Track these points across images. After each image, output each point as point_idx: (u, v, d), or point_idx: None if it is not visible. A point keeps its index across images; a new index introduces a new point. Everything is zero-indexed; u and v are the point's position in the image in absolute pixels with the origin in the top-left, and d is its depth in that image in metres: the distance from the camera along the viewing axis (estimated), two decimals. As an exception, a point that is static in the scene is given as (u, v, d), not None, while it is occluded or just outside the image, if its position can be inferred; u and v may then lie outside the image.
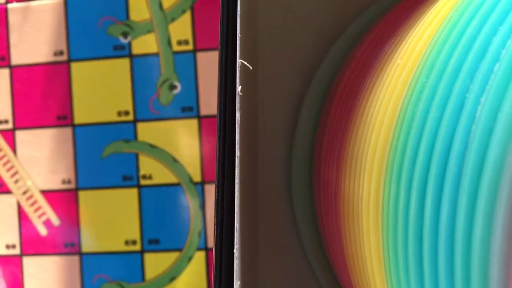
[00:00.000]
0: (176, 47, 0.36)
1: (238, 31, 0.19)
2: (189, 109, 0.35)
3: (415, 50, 0.15)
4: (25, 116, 0.37)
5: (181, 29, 0.36)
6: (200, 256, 0.35)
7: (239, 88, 0.19)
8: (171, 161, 0.35)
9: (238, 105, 0.19)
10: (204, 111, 0.35)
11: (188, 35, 0.36)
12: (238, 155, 0.18)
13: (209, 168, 0.35)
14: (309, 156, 0.24)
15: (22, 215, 0.37)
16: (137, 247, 0.35)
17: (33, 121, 0.37)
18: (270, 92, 0.24)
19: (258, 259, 0.24)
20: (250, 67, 0.20)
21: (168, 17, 0.36)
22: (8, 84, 0.37)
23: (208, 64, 0.35)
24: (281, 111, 0.24)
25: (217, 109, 0.20)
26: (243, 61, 0.19)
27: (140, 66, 0.36)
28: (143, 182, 0.36)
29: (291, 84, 0.24)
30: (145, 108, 0.36)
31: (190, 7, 0.36)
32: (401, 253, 0.13)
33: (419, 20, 0.16)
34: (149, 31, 0.36)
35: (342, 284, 0.22)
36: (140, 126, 0.36)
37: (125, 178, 0.36)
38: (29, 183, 0.37)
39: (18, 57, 0.37)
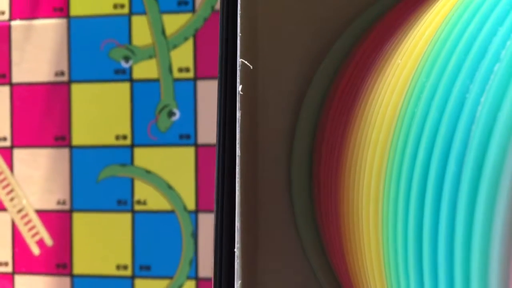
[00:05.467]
0: (176, 74, 0.36)
1: (238, 31, 0.19)
2: (186, 137, 0.35)
3: (415, 50, 0.15)
4: (24, 135, 0.37)
5: (183, 56, 0.36)
6: (190, 285, 0.35)
7: (239, 87, 0.19)
8: (166, 188, 0.35)
9: (238, 104, 0.19)
10: (201, 139, 0.35)
11: (189, 63, 0.36)
12: (238, 155, 0.18)
13: (204, 196, 0.35)
14: (309, 156, 0.24)
15: (16, 233, 0.37)
16: (128, 272, 0.36)
17: (31, 140, 0.37)
18: (270, 92, 0.24)
19: (258, 259, 0.24)
20: (251, 67, 0.20)
21: (170, 44, 0.36)
22: (8, 101, 0.37)
23: (208, 92, 0.35)
24: (281, 111, 0.24)
25: (217, 108, 0.20)
26: (243, 61, 0.19)
27: (140, 91, 0.36)
28: (137, 207, 0.36)
29: (291, 84, 0.24)
30: (143, 133, 0.36)
31: (192, 35, 0.36)
32: (401, 252, 0.13)
33: (419, 20, 0.16)
34: (150, 57, 0.36)
35: (342, 284, 0.22)
36: (137, 151, 0.36)
37: (119, 202, 0.36)
38: (24, 201, 0.37)
39: (19, 75, 0.37)
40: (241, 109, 0.19)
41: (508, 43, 0.11)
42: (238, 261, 0.18)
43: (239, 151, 0.18)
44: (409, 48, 0.15)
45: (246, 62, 0.19)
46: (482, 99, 0.11)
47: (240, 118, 0.19)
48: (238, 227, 0.18)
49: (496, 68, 0.11)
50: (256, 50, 0.24)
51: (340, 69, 0.23)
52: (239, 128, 0.19)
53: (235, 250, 0.18)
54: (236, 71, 0.19)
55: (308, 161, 0.24)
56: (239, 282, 0.18)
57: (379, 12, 0.23)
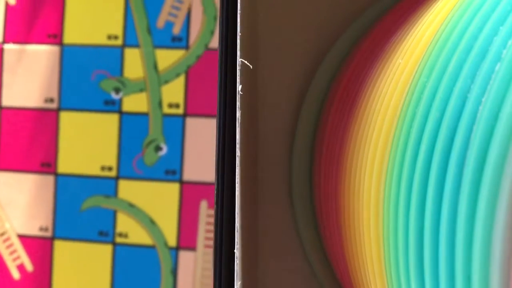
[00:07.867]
0: (166, 109, 0.36)
1: (238, 31, 0.19)
2: (172, 173, 0.35)
3: (416, 50, 0.15)
4: (10, 158, 0.37)
5: (173, 92, 0.36)
6: (166, 322, 0.35)
7: (239, 87, 0.19)
8: (149, 222, 0.36)
9: (238, 104, 0.19)
10: (187, 176, 0.35)
11: (180, 99, 0.35)
12: (238, 155, 0.18)
13: (186, 234, 0.35)
14: (309, 156, 0.24)
15: (-4, 256, 0.37)
16: (106, 303, 0.36)
17: (17, 164, 0.37)
18: (270, 92, 0.24)
19: (258, 259, 0.24)
20: (251, 67, 0.20)
21: (162, 79, 0.36)
22: (-4, 124, 0.37)
23: (197, 130, 0.35)
24: (281, 111, 0.24)
25: (217, 108, 0.20)
26: (243, 60, 0.19)
27: (129, 123, 0.36)
28: (118, 239, 0.36)
29: (291, 84, 0.24)
30: (128, 166, 0.36)
31: (184, 72, 0.35)
32: (401, 253, 0.14)
33: (420, 19, 0.16)
34: (141, 90, 0.36)
35: (343, 284, 0.22)
36: (122, 183, 0.36)
37: (101, 233, 0.36)
38: (7, 225, 0.37)
39: (9, 98, 0.37)
40: (241, 109, 0.19)
41: (510, 42, 0.11)
42: (238, 261, 0.18)
43: (239, 151, 0.19)
44: (410, 47, 0.15)
45: (246, 62, 0.19)
46: (484, 99, 0.11)
47: (240, 118, 0.19)
48: (238, 228, 0.18)
49: (497, 67, 0.11)
50: (256, 50, 0.24)
51: (341, 69, 0.23)
52: (239, 128, 0.19)
53: (235, 250, 0.18)
54: (236, 71, 0.19)
55: (308, 161, 0.24)
56: (239, 282, 0.18)
57: (379, 12, 0.23)
